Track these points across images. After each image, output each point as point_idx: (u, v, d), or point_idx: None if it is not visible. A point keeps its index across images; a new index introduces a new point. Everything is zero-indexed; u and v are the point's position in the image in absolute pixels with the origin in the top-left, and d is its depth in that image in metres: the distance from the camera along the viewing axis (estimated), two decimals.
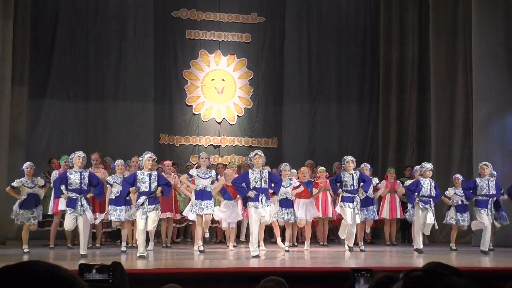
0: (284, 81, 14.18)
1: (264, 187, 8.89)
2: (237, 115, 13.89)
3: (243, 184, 8.92)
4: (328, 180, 10.97)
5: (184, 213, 10.26)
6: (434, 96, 12.50)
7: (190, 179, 9.89)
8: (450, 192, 10.72)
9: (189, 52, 13.82)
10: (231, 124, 13.85)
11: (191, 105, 13.70)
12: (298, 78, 14.23)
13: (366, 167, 10.90)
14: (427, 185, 9.70)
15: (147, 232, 8.83)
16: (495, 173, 10.16)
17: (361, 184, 9.59)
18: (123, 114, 13.31)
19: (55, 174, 10.17)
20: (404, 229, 12.17)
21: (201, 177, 9.49)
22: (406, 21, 13.83)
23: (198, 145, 13.66)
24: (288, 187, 9.82)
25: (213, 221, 10.69)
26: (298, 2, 14.30)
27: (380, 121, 13.94)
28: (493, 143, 11.13)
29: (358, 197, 9.60)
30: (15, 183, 9.44)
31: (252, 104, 13.97)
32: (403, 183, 11.51)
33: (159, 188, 8.68)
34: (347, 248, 9.57)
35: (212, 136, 13.74)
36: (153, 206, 8.59)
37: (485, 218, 9.64)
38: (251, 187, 8.84)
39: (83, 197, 8.61)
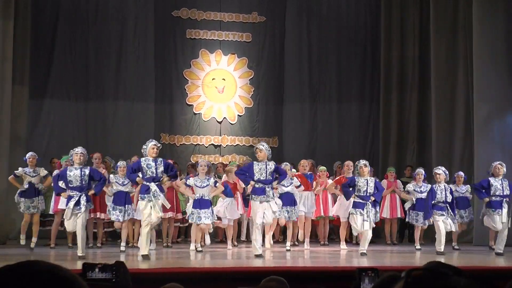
0: (284, 81, 14.19)
1: (269, 179, 8.73)
2: (238, 115, 13.89)
3: (247, 174, 8.80)
4: (328, 180, 11.00)
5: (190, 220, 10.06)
6: (435, 96, 12.50)
7: (187, 188, 9.79)
8: (410, 187, 10.66)
9: (189, 51, 13.82)
10: (231, 124, 13.85)
11: (192, 105, 13.70)
12: (299, 78, 14.24)
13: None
14: (441, 191, 9.56)
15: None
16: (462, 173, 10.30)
17: (375, 192, 9.22)
18: (124, 113, 13.32)
19: (56, 174, 10.18)
20: (403, 229, 12.18)
21: (198, 187, 9.41)
22: (406, 21, 13.82)
23: (198, 144, 13.66)
24: (289, 186, 9.83)
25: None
26: (299, 2, 14.30)
27: (381, 121, 13.93)
28: (493, 143, 11.13)
29: (369, 204, 9.15)
30: (18, 171, 9.53)
31: (253, 104, 13.98)
32: (403, 182, 11.52)
33: (166, 177, 8.51)
34: (361, 251, 9.13)
35: (212, 136, 13.74)
36: (161, 194, 8.39)
37: (497, 221, 9.47)
38: (255, 179, 8.71)
39: (83, 195, 8.37)
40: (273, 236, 10.68)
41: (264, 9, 14.13)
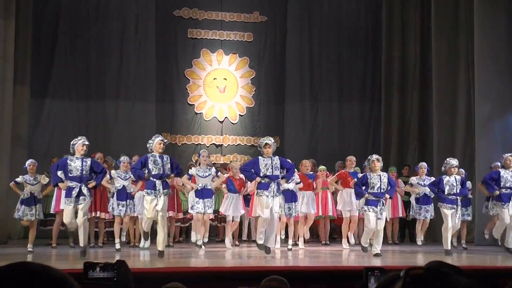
0: (286, 80, 14.19)
1: (276, 174, 8.50)
2: (239, 114, 13.90)
3: (252, 171, 8.54)
4: (328, 180, 10.99)
5: (193, 211, 10.07)
6: (436, 95, 12.49)
7: (190, 178, 9.87)
8: (414, 180, 10.56)
9: (191, 51, 13.83)
10: (233, 123, 13.86)
11: (193, 104, 13.71)
12: (300, 77, 14.24)
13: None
14: (451, 183, 9.20)
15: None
16: (463, 170, 9.99)
17: (388, 188, 8.92)
18: (125, 113, 13.32)
19: (55, 163, 10.15)
20: (403, 229, 12.18)
21: (200, 176, 9.45)
22: (407, 20, 13.82)
23: (200, 144, 13.67)
24: (290, 182, 9.84)
25: (215, 219, 10.72)
26: (300, 2, 14.30)
27: (382, 120, 13.93)
28: (495, 141, 11.12)
29: (383, 201, 8.86)
30: (19, 179, 9.48)
31: (254, 103, 13.98)
32: (404, 182, 11.52)
33: (172, 175, 8.50)
34: (375, 251, 8.78)
35: (214, 135, 13.75)
36: (166, 190, 8.32)
37: (506, 215, 9.23)
38: (261, 174, 8.46)
39: (83, 185, 8.21)
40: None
41: (266, 9, 14.14)
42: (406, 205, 11.58)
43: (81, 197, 8.19)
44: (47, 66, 12.90)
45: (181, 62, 13.76)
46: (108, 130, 13.18)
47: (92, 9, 13.28)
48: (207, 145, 13.66)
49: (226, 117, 13.82)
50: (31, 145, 12.20)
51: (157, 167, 8.29)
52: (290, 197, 9.82)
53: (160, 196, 8.22)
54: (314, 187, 10.45)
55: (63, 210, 9.68)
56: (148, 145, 8.57)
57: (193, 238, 9.87)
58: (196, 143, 13.67)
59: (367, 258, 8.73)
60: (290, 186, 9.78)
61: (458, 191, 9.20)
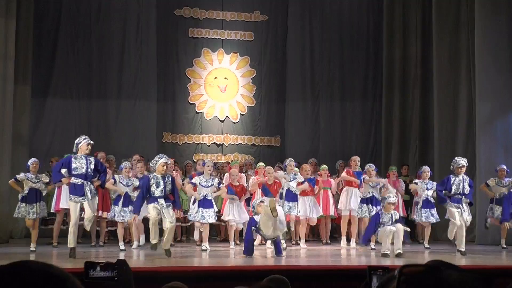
0: (287, 79, 14.19)
1: None
2: (240, 114, 13.90)
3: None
4: (329, 179, 11.00)
5: (190, 218, 10.09)
6: (437, 94, 12.48)
7: (193, 186, 9.84)
8: (417, 182, 10.46)
9: (192, 50, 13.83)
10: (234, 122, 13.86)
11: (194, 104, 13.71)
12: (301, 76, 14.24)
13: (371, 167, 10.33)
14: (458, 183, 9.25)
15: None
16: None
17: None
18: (126, 112, 13.32)
19: (58, 163, 10.14)
20: None
21: (203, 186, 9.45)
22: (409, 19, 13.82)
23: (201, 143, 13.67)
24: (292, 181, 9.84)
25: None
26: (301, 1, 14.30)
27: (383, 119, 13.93)
28: (496, 141, 11.12)
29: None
30: (19, 177, 9.43)
31: (255, 103, 13.98)
32: (404, 182, 11.50)
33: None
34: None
35: (215, 135, 13.75)
36: (168, 203, 8.42)
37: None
38: None
39: (89, 183, 8.19)
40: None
41: (266, 8, 14.13)
42: (407, 204, 11.56)
43: (88, 193, 8.13)
44: (48, 65, 12.90)
45: (182, 61, 13.76)
46: (110, 129, 13.18)
47: (94, 8, 13.28)
48: (208, 145, 13.66)
49: (227, 116, 13.82)
50: (32, 144, 12.20)
51: (158, 189, 8.38)
52: (290, 195, 9.85)
53: (164, 209, 8.31)
54: (315, 192, 10.47)
55: (63, 209, 9.70)
56: (151, 165, 8.66)
57: (196, 236, 9.96)
58: (197, 142, 13.67)
59: (367, 258, 8.73)
60: (292, 184, 9.78)
61: (464, 191, 9.24)
